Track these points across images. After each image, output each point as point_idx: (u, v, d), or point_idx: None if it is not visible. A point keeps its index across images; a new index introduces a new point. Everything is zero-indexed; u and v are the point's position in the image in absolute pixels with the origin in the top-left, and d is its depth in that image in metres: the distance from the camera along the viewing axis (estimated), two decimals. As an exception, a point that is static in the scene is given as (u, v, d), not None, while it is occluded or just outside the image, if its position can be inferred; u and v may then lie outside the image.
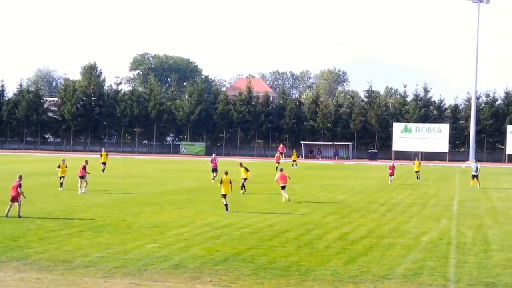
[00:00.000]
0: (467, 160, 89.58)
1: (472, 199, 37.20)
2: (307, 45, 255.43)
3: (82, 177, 36.97)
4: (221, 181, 29.55)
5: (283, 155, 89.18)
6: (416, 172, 50.50)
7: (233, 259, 18.40)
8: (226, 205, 29.28)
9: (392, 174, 47.41)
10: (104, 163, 53.56)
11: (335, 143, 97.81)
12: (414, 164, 52.32)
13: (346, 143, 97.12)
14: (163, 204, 31.70)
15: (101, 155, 54.76)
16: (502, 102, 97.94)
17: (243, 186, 38.42)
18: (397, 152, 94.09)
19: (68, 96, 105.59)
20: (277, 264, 17.85)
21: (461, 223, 26.68)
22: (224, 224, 25.12)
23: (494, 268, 17.82)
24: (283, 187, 34.31)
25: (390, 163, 51.57)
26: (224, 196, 29.38)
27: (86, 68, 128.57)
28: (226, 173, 30.15)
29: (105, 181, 44.06)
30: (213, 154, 49.86)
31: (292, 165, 68.17)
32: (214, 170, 46.09)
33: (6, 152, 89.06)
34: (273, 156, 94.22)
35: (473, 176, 45.68)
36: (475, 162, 48.66)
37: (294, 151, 75.67)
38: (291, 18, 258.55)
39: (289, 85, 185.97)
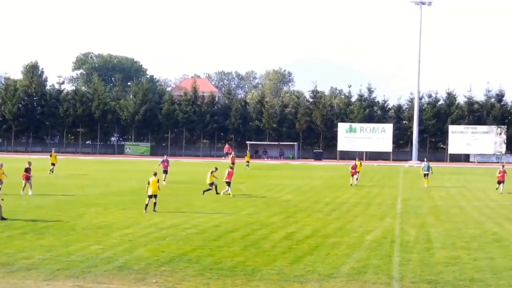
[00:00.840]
0: (411, 159, 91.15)
1: (415, 198, 37.77)
2: (253, 45, 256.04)
3: (27, 179, 36.16)
4: (148, 182, 29.52)
5: (229, 155, 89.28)
6: (357, 172, 50.08)
7: (178, 260, 18.27)
8: (146, 205, 29.18)
9: (354, 174, 46.25)
10: (53, 164, 52.46)
11: (281, 143, 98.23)
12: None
13: (292, 143, 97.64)
14: (108, 205, 31.33)
15: (50, 156, 53.68)
16: (444, 102, 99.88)
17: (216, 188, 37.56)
18: (342, 152, 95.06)
19: (9, 95, 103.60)
20: (223, 264, 17.80)
21: (405, 221, 27.05)
22: (169, 224, 24.94)
23: (437, 265, 18.10)
24: (227, 183, 36.36)
25: (352, 162, 49.80)
26: (150, 196, 29.23)
27: (27, 67, 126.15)
28: (155, 174, 30.23)
29: (47, 182, 43.32)
30: (164, 156, 49.19)
31: (246, 165, 67.08)
32: (165, 171, 45.53)
33: None
34: (219, 156, 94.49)
35: (425, 175, 46.71)
36: (426, 161, 49.49)
37: (247, 152, 75.31)
38: (236, 18, 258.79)
39: (235, 85, 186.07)
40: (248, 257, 18.77)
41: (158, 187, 29.73)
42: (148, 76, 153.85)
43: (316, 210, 30.95)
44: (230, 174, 36.97)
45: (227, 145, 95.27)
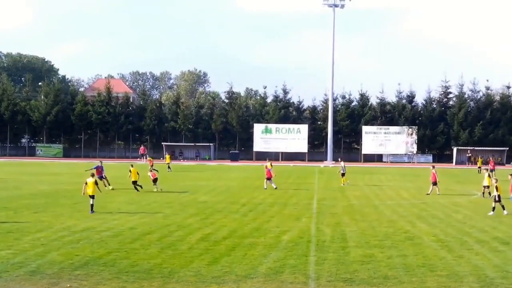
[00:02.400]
0: (326, 160, 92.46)
1: (330, 198, 38.28)
2: (167, 46, 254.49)
3: None
4: (86, 183, 29.99)
5: (145, 156, 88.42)
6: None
7: (93, 263, 17.91)
8: (92, 205, 29.33)
9: (270, 177, 44.40)
10: None
11: (197, 144, 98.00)
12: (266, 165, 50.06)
13: (208, 144, 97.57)
14: (18, 208, 30.44)
15: None
16: (357, 103, 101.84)
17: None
18: (258, 153, 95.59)
19: None
20: (139, 267, 17.54)
21: (320, 221, 27.34)
22: (83, 227, 24.43)
23: (352, 264, 18.35)
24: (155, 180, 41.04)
25: (265, 164, 48.79)
26: (92, 197, 29.55)
27: None
28: (92, 175, 30.59)
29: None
30: (100, 162, 46.99)
31: (168, 168, 64.74)
32: (101, 178, 43.46)
33: None
34: (135, 157, 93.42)
35: (342, 174, 48.34)
36: (340, 160, 51.32)
37: (167, 155, 73.62)
38: (150, 17, 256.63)
39: (150, 86, 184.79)
40: (164, 259, 18.57)
41: (98, 188, 30.55)
42: (60, 76, 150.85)
43: (233, 211, 30.94)
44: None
45: (142, 147, 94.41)
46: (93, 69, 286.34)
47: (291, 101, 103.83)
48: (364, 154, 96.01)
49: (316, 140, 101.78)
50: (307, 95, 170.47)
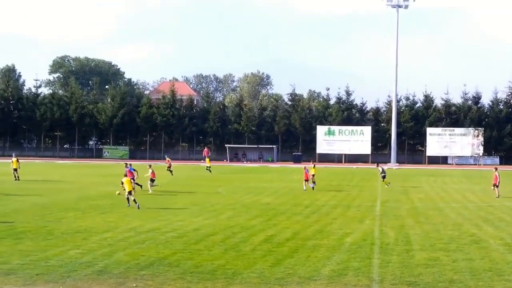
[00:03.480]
0: (389, 162, 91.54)
1: (394, 200, 37.92)
2: (231, 49, 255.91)
3: None
4: (122, 183, 32.90)
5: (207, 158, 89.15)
6: (312, 175, 46.79)
7: (158, 263, 18.17)
8: (127, 199, 32.18)
9: (308, 179, 44.39)
10: (15, 170, 50.19)
11: (260, 146, 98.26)
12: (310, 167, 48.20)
13: (271, 146, 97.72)
14: (86, 209, 31.11)
15: (12, 162, 51.20)
16: (421, 105, 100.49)
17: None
18: (321, 155, 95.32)
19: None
20: (203, 268, 17.72)
21: (384, 223, 27.13)
22: (148, 228, 24.81)
23: (416, 267, 18.16)
24: (152, 180, 42.38)
25: (305, 165, 48.77)
26: (130, 193, 32.13)
27: (4, 71, 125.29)
28: (126, 175, 34.62)
29: (24, 187, 42.97)
30: (129, 164, 46.55)
31: (207, 169, 64.13)
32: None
33: None
34: (198, 159, 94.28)
35: (383, 177, 48.24)
36: (378, 165, 51.89)
37: (207, 157, 71.42)
38: (214, 21, 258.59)
39: (213, 89, 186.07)
40: (228, 260, 18.71)
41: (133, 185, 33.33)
42: (125, 80, 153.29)
43: (296, 212, 30.96)
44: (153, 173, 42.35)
45: (206, 149, 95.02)
46: (158, 72, 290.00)
47: (354, 103, 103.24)
48: (428, 156, 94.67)
49: (379, 142, 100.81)
50: (370, 96, 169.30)
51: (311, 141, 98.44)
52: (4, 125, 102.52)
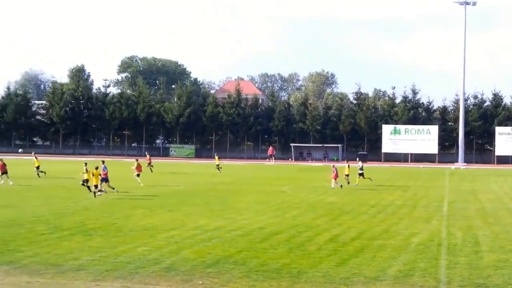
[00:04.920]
0: (457, 161, 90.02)
1: (461, 200, 37.30)
2: (296, 47, 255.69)
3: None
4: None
5: (273, 157, 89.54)
6: (347, 175, 46.91)
7: (224, 261, 18.34)
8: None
9: (337, 178, 44.06)
10: (38, 167, 51.21)
11: (325, 145, 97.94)
12: (348, 167, 47.75)
13: (336, 145, 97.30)
14: (153, 207, 31.60)
15: (36, 159, 52.52)
16: (490, 103, 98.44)
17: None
18: (386, 154, 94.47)
19: (56, 99, 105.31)
20: (268, 266, 17.80)
21: (451, 224, 26.72)
22: (214, 227, 25.05)
23: (485, 269, 17.85)
24: (138, 175, 45.18)
25: (333, 164, 48.79)
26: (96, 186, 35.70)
27: (74, 71, 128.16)
28: (96, 168, 36.53)
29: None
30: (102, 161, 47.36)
31: (218, 169, 61.80)
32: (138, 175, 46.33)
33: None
34: (263, 158, 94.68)
35: (360, 174, 46.80)
36: (358, 161, 50.83)
37: (216, 155, 66.49)
38: (278, 21, 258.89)
39: (278, 88, 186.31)
40: (293, 259, 18.74)
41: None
42: (192, 79, 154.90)
43: (361, 212, 30.78)
44: (139, 166, 45.26)
45: (271, 147, 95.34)
46: (224, 72, 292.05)
47: (420, 102, 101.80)
48: (497, 156, 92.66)
49: (446, 141, 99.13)
50: (437, 95, 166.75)
51: (377, 140, 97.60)
52: (75, 124, 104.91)
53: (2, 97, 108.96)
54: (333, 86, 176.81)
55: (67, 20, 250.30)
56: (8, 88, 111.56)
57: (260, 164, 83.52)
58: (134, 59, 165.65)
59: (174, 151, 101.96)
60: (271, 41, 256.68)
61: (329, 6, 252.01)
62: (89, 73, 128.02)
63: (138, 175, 45.41)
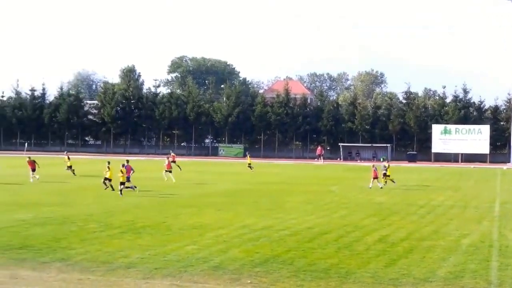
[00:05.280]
0: (509, 162, 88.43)
1: (513, 201, 36.65)
2: (344, 47, 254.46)
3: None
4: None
5: (321, 157, 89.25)
6: (387, 176, 46.51)
7: (272, 261, 18.38)
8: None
9: (376, 177, 44.07)
10: (69, 167, 51.63)
11: (374, 145, 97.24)
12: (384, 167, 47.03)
13: (385, 144, 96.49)
14: (202, 206, 31.82)
15: (69, 158, 52.92)
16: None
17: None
18: (436, 154, 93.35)
19: (108, 99, 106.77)
20: (316, 266, 17.79)
21: (503, 225, 26.29)
22: (262, 226, 25.12)
23: (538, 271, 17.54)
24: (168, 171, 46.91)
25: (373, 164, 48.56)
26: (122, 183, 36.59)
27: (125, 71, 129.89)
28: (123, 165, 37.62)
29: (143, 183, 44.40)
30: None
31: (250, 167, 62.08)
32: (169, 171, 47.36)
33: (48, 154, 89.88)
34: (312, 158, 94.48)
35: (384, 174, 45.75)
36: (383, 161, 49.24)
37: (247, 154, 68.25)
38: (327, 19, 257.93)
39: (327, 87, 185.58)
40: (341, 259, 18.69)
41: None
42: (240, 79, 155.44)
43: (410, 212, 30.51)
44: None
45: (319, 147, 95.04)
46: (272, 71, 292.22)
47: (471, 101, 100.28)
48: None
49: (498, 141, 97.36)
50: (488, 94, 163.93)
51: (426, 140, 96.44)
52: (125, 123, 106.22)
53: (56, 97, 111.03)
54: (382, 86, 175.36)
55: (119, 21, 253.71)
56: (61, 89, 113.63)
57: (308, 163, 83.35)
58: (184, 59, 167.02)
59: (223, 151, 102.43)
60: (320, 40, 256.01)
61: (379, 7, 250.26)
62: (139, 73, 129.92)
63: (169, 171, 46.91)
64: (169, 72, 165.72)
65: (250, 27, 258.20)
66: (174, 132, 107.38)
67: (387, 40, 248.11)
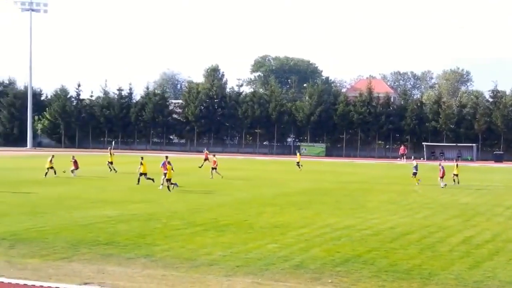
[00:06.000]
0: None
1: None
2: (429, 45, 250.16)
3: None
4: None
5: (404, 156, 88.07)
6: (455, 175, 46.39)
7: (353, 261, 18.32)
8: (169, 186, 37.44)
9: (443, 176, 43.90)
10: (111, 163, 52.03)
11: (458, 144, 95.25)
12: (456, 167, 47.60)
13: (470, 144, 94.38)
14: (284, 205, 31.95)
15: (111, 154, 52.88)
16: None
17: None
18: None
19: (192, 98, 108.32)
20: (398, 267, 17.63)
21: None
22: (344, 225, 25.05)
23: None
24: (214, 169, 48.31)
25: (440, 162, 48.33)
26: (169, 180, 37.50)
27: (209, 70, 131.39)
28: (169, 163, 38.30)
29: (227, 182, 44.93)
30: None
31: (299, 166, 61.18)
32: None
33: (134, 152, 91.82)
34: (394, 157, 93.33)
35: (414, 174, 46.18)
36: (413, 159, 50.39)
37: (298, 153, 69.17)
38: (411, 17, 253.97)
39: (410, 86, 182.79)
40: (424, 260, 18.46)
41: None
42: (323, 78, 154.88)
43: (496, 213, 29.82)
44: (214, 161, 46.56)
45: (402, 146, 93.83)
46: (355, 70, 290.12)
47: None
48: None
49: None
50: None
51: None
52: (209, 122, 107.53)
53: (142, 97, 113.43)
54: (468, 84, 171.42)
55: (202, 22, 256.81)
56: (147, 88, 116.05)
57: (391, 163, 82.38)
58: (267, 58, 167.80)
59: (305, 150, 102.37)
60: (404, 38, 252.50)
61: (466, 5, 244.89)
62: (223, 72, 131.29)
63: (214, 168, 48.28)
64: (252, 71, 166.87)
65: (333, 26, 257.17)
66: (256, 131, 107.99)
67: (473, 38, 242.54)
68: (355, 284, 15.80)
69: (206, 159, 60.30)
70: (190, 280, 15.91)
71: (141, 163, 41.78)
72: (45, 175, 46.07)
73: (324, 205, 32.12)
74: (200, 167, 58.31)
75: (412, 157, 52.54)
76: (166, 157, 40.74)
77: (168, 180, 37.86)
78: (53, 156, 48.83)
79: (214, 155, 51.10)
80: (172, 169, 38.26)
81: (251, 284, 15.65)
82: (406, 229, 24.36)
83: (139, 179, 41.36)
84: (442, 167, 43.97)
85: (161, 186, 38.72)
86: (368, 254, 19.24)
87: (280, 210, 29.71)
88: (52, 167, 46.77)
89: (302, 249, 19.88)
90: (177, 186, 38.23)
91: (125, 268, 17.00)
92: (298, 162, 61.67)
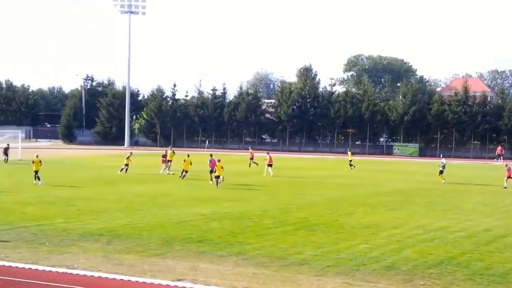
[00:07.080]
0: None
1: None
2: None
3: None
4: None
5: (501, 157, 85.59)
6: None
7: (447, 263, 18.01)
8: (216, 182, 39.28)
9: (510, 176, 43.40)
10: (169, 161, 50.74)
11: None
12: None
13: None
14: (375, 205, 31.70)
15: (165, 154, 51.61)
16: None
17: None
18: None
19: (285, 97, 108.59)
20: (494, 270, 17.23)
21: None
22: (437, 227, 24.65)
23: None
24: (269, 165, 49.38)
25: (506, 163, 48.14)
26: (217, 177, 39.26)
27: (301, 70, 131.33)
28: (219, 161, 39.71)
29: (319, 181, 44.90)
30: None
31: (351, 166, 60.22)
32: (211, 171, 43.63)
33: (226, 151, 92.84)
34: (491, 158, 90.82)
35: (440, 172, 46.42)
36: (442, 157, 50.88)
37: (349, 152, 66.27)
38: (510, 14, 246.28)
39: (509, 85, 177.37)
40: (521, 264, 17.98)
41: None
42: (417, 77, 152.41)
43: None
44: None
45: (499, 147, 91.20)
46: (451, 69, 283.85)
47: None
48: None
49: None
50: None
51: None
52: (301, 122, 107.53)
53: (235, 97, 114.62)
54: None
55: (295, 22, 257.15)
56: (241, 88, 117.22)
57: (487, 164, 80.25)
58: (360, 57, 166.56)
59: (398, 150, 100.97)
60: (503, 35, 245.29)
61: None
62: (316, 72, 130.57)
63: (270, 165, 49.38)
64: (345, 70, 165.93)
65: (428, 24, 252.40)
66: (348, 130, 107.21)
67: None
68: (447, 287, 15.57)
69: (251, 158, 60.41)
70: (280, 279, 16.04)
71: (184, 160, 44.97)
72: (121, 171, 48.95)
73: (417, 205, 31.68)
74: (256, 164, 57.90)
75: (441, 155, 51.80)
76: (211, 155, 44.94)
77: (217, 177, 39.74)
78: (131, 153, 51.81)
79: (267, 153, 52.49)
80: (221, 167, 39.89)
81: (342, 285, 15.64)
82: (502, 231, 23.75)
83: (183, 176, 44.86)
84: (509, 168, 43.58)
85: (210, 181, 41.83)
86: (462, 257, 18.88)
87: (372, 210, 29.51)
88: (127, 164, 49.18)
89: (394, 250, 19.70)
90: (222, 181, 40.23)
91: (217, 266, 17.30)
92: (350, 161, 60.85)
